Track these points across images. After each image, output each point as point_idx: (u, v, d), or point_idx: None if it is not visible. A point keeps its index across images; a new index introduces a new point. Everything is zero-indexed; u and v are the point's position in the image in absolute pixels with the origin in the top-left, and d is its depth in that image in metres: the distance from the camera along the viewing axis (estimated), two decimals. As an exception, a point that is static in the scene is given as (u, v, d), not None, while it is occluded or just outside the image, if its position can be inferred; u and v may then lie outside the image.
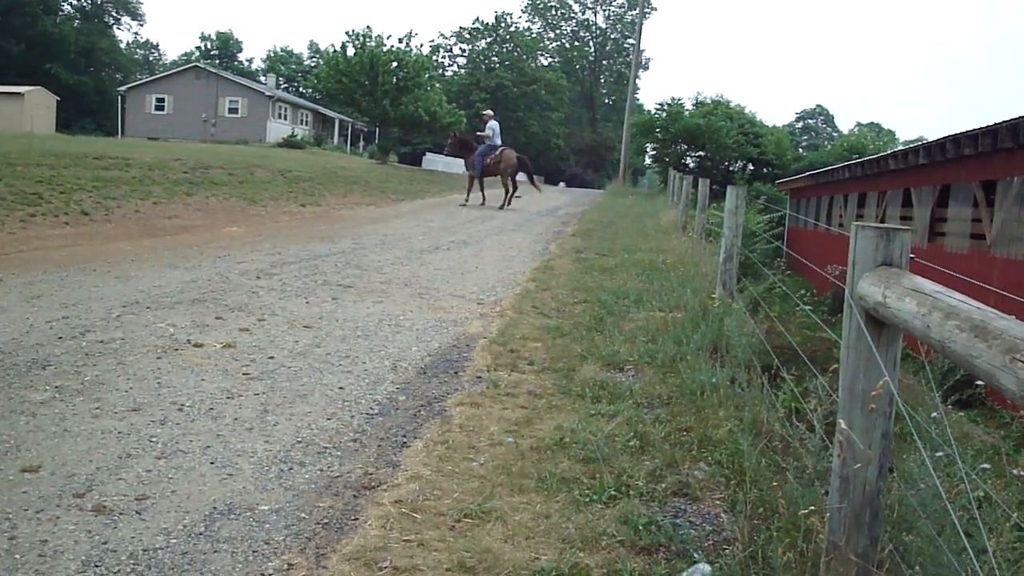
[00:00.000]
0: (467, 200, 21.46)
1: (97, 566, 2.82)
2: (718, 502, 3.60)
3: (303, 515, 3.34)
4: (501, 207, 20.83)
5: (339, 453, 4.03)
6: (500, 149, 20.90)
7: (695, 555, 3.04)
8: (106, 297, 7.05)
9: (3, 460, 3.63)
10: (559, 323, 7.07)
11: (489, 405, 4.82)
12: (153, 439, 4.00)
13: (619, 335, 6.47)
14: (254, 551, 3.02)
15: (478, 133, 21.68)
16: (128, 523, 3.15)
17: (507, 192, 21.37)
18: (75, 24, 66.46)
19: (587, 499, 3.50)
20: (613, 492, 3.55)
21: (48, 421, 4.13)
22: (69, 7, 67.60)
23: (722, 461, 3.91)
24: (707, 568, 2.90)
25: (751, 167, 39.66)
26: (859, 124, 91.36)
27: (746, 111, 41.97)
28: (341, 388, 5.07)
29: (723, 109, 40.16)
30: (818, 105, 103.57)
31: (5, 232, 10.03)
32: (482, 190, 21.48)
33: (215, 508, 3.34)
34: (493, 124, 21.35)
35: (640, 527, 3.22)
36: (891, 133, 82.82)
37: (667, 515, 3.41)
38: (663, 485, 3.69)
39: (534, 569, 2.90)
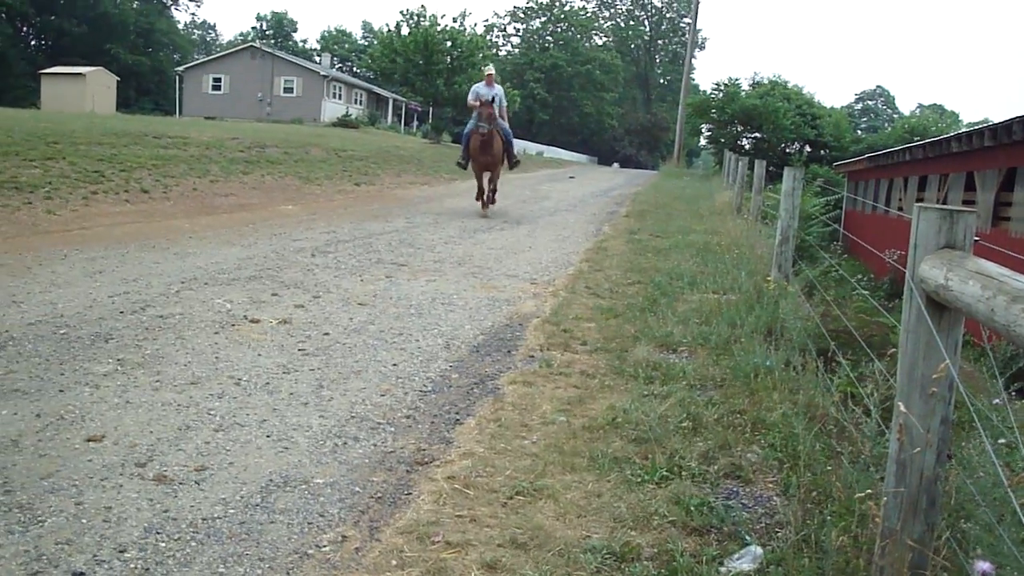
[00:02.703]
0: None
1: (159, 533, 2.90)
2: (771, 485, 3.57)
3: (357, 489, 3.39)
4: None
5: (393, 429, 4.07)
6: None
7: (747, 537, 3.03)
8: (165, 273, 7.20)
9: (69, 429, 3.74)
10: (612, 304, 7.04)
11: (542, 384, 4.83)
12: (211, 412, 4.09)
13: (672, 316, 6.42)
14: (309, 523, 3.07)
15: (484, 101, 13.69)
16: (188, 492, 3.23)
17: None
18: (134, 5, 67.56)
19: (639, 479, 3.49)
20: (665, 473, 3.54)
21: (111, 393, 4.24)
22: (129, -12, 68.73)
23: (775, 444, 3.87)
24: (759, 551, 2.88)
25: (808, 149, 38.89)
26: (921, 105, 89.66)
27: (804, 92, 41.23)
28: (395, 365, 5.12)
29: (780, 90, 39.42)
30: (878, 86, 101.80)
31: (68, 209, 10.28)
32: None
33: (271, 480, 3.41)
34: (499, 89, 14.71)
35: (692, 508, 3.21)
36: (954, 115, 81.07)
37: (719, 497, 3.40)
38: (715, 467, 3.67)
39: (585, 547, 2.91)
